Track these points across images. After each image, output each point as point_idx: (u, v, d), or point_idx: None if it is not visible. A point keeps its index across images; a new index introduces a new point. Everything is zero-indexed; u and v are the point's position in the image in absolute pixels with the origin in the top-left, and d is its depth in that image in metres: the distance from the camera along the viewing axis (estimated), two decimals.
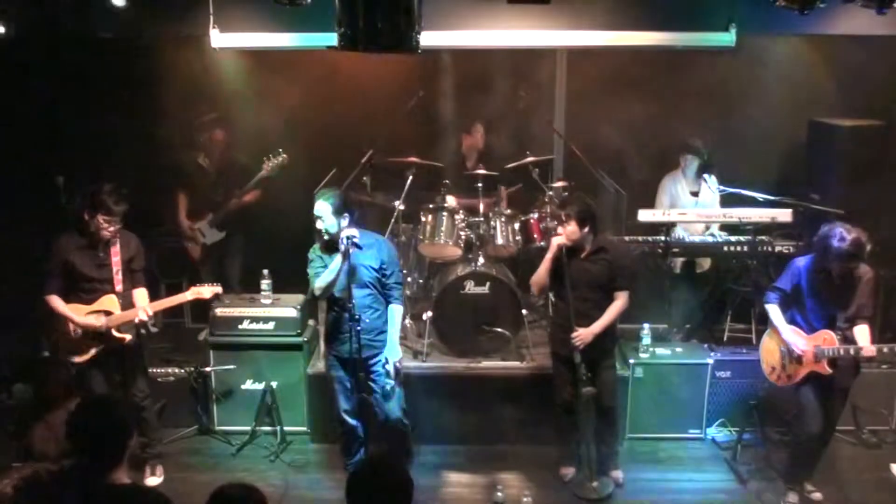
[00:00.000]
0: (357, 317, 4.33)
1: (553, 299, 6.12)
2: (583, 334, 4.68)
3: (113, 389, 4.86)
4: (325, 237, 4.53)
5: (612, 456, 5.08)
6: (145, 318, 4.75)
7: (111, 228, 4.60)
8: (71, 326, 4.68)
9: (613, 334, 4.96)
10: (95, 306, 4.70)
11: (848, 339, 4.51)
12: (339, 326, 4.62)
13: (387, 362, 4.63)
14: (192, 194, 6.26)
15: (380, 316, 4.68)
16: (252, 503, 2.62)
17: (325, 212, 4.48)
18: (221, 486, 2.66)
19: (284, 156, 5.99)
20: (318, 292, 4.62)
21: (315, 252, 4.64)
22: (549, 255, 4.70)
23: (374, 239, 4.71)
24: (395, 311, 4.72)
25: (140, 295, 4.85)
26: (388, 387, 4.66)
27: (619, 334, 5.15)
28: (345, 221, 4.51)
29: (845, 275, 4.45)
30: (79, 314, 4.67)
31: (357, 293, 4.54)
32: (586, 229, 4.66)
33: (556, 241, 4.66)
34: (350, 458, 4.91)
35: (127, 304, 4.77)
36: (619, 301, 4.77)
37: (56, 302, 4.67)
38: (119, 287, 4.74)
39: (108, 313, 4.70)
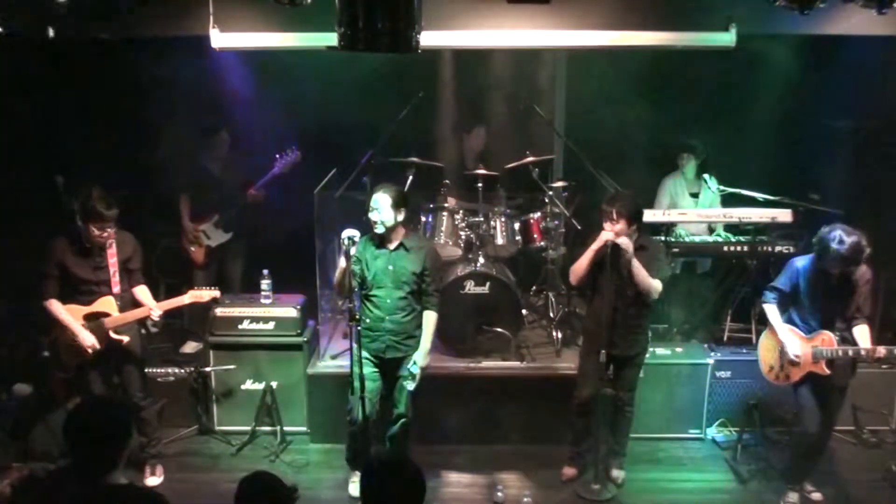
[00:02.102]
0: (358, 317, 4.32)
1: (552, 298, 6.20)
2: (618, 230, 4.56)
3: (111, 390, 4.85)
4: (380, 229, 4.51)
5: (619, 454, 5.08)
6: (159, 314, 4.76)
7: (104, 234, 4.56)
8: (69, 333, 4.65)
9: (646, 333, 4.95)
10: (93, 308, 4.69)
11: (846, 340, 4.52)
12: (369, 325, 4.62)
13: (413, 365, 4.62)
14: (197, 196, 6.18)
15: (412, 320, 4.65)
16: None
17: (384, 203, 4.46)
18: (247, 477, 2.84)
19: (298, 153, 5.94)
20: (336, 290, 4.67)
21: (361, 245, 4.59)
22: (594, 247, 4.64)
23: (422, 243, 4.74)
24: (430, 317, 4.69)
25: (142, 293, 4.84)
26: (409, 386, 4.64)
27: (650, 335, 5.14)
28: (401, 216, 4.51)
29: (844, 276, 4.45)
30: (76, 315, 4.65)
31: (393, 293, 4.57)
32: (634, 227, 4.66)
33: (604, 237, 4.60)
34: (355, 466, 4.82)
35: (125, 304, 4.77)
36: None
37: (55, 307, 4.64)
38: (116, 289, 4.73)
39: (105, 315, 4.69)
